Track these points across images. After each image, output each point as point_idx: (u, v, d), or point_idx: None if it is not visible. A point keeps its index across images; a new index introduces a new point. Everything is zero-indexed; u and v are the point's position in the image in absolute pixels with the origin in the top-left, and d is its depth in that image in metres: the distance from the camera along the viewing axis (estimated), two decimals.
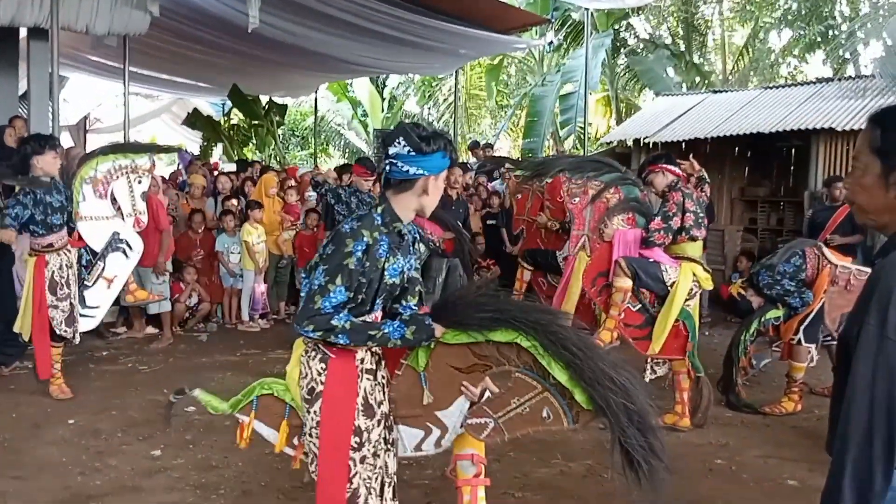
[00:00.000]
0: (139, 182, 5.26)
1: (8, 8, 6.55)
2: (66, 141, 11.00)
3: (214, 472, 3.88)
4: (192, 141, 17.38)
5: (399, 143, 2.23)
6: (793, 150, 10.41)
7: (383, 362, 2.38)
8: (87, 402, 5.00)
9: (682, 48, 17.53)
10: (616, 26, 16.49)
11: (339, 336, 2.18)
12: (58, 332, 4.96)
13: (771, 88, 12.12)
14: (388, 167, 2.26)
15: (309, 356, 2.31)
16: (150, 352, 6.48)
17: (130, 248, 5.20)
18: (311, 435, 2.33)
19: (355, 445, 2.25)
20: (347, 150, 19.66)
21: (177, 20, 8.94)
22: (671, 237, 4.60)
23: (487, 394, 2.29)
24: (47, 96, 7.45)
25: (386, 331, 2.23)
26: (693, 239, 4.66)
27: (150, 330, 7.04)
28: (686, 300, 4.61)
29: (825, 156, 9.15)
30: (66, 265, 4.96)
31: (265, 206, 7.97)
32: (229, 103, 14.73)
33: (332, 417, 2.25)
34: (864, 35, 14.09)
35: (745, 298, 5.45)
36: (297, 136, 21.45)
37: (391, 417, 2.39)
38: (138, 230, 5.34)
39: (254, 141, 15.39)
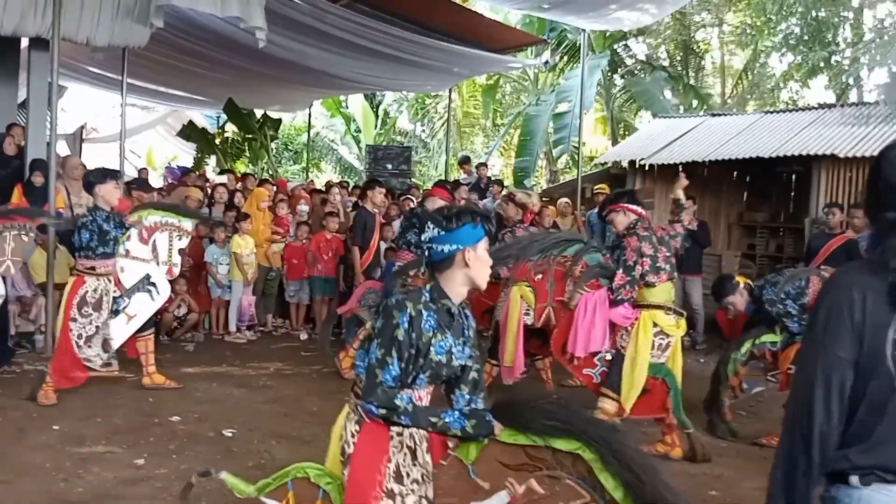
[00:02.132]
0: (179, 239, 5.68)
1: (11, 18, 6.64)
2: (62, 150, 11.07)
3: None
4: (185, 153, 17.45)
5: (429, 227, 2.34)
6: (793, 176, 10.37)
7: (426, 444, 2.36)
8: (73, 409, 5.05)
9: (680, 70, 17.53)
10: (614, 47, 16.56)
11: (402, 416, 2.22)
12: (74, 347, 5.14)
13: (771, 113, 12.01)
14: (427, 252, 2.37)
15: (348, 418, 2.35)
16: (136, 360, 6.51)
17: (158, 292, 5.58)
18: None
19: None
20: (339, 166, 19.78)
21: (175, 34, 9.05)
22: (636, 288, 4.48)
23: (531, 493, 2.24)
24: (46, 105, 7.52)
25: (447, 420, 2.26)
26: (649, 285, 4.49)
27: None
28: (660, 353, 4.52)
29: (827, 182, 9.08)
30: (102, 291, 5.24)
31: (255, 219, 8.05)
32: (224, 116, 14.83)
33: (358, 478, 2.26)
34: (868, 61, 14.02)
35: (756, 303, 5.20)
36: (291, 151, 21.56)
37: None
38: (170, 278, 5.78)
39: (247, 154, 15.48)
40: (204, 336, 7.72)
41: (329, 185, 10.30)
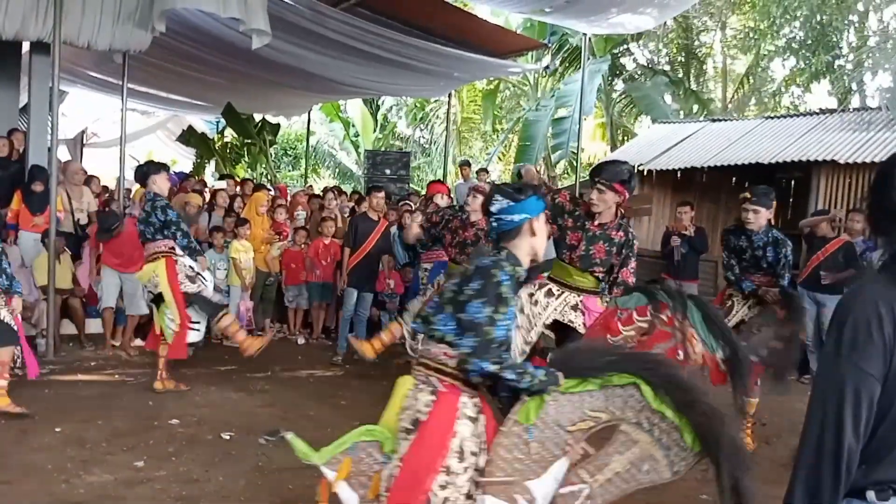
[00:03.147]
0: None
1: (13, 22, 6.69)
2: (63, 154, 11.13)
3: (196, 485, 3.97)
4: (185, 157, 17.50)
5: (497, 200, 2.48)
6: (793, 182, 10.32)
7: (483, 416, 2.42)
8: (74, 411, 5.08)
9: (681, 75, 17.46)
10: (615, 51, 16.51)
11: (507, 371, 2.28)
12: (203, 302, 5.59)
13: (772, 118, 11.98)
14: (495, 224, 2.49)
15: (418, 389, 2.40)
16: (137, 363, 6.56)
17: (206, 281, 5.97)
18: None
19: (443, 484, 2.30)
20: (338, 171, 19.81)
21: (175, 39, 9.09)
22: None
23: (585, 454, 2.33)
24: (47, 110, 7.57)
25: (530, 370, 2.32)
26: None
27: (139, 342, 7.11)
28: None
29: (826, 188, 9.03)
30: (185, 263, 5.64)
31: (254, 224, 8.08)
32: (223, 121, 14.87)
33: (425, 446, 2.32)
34: (872, 65, 13.94)
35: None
36: (289, 156, 21.61)
37: (478, 480, 2.37)
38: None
39: (246, 159, 15.52)
40: (202, 340, 7.73)
41: (325, 191, 10.32)
